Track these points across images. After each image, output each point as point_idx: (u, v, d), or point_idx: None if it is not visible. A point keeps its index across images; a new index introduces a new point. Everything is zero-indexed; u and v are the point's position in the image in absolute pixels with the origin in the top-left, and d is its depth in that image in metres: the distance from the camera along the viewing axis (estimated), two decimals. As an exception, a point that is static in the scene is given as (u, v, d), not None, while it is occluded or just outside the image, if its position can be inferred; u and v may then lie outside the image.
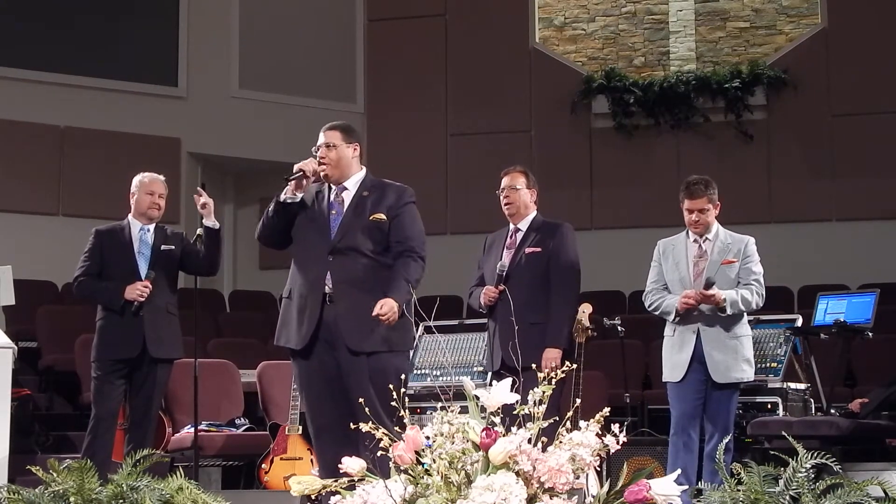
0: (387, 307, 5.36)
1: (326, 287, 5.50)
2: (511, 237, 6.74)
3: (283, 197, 5.57)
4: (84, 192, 12.68)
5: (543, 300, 6.54)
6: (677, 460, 6.37)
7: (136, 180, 7.08)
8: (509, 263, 6.62)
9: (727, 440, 6.00)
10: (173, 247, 7.05)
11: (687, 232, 6.68)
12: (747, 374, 6.52)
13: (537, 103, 13.99)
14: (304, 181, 5.56)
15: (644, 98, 13.59)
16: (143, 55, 13.36)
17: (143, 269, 6.92)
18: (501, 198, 6.76)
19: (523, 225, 6.73)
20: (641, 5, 14.21)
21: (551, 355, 6.35)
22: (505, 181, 6.77)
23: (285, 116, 13.57)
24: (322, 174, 5.62)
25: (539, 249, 6.60)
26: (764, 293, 6.55)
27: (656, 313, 6.72)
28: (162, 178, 7.15)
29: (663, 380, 6.70)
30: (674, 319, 6.57)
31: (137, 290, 6.79)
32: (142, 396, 6.87)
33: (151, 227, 7.05)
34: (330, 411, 5.49)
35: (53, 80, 12.75)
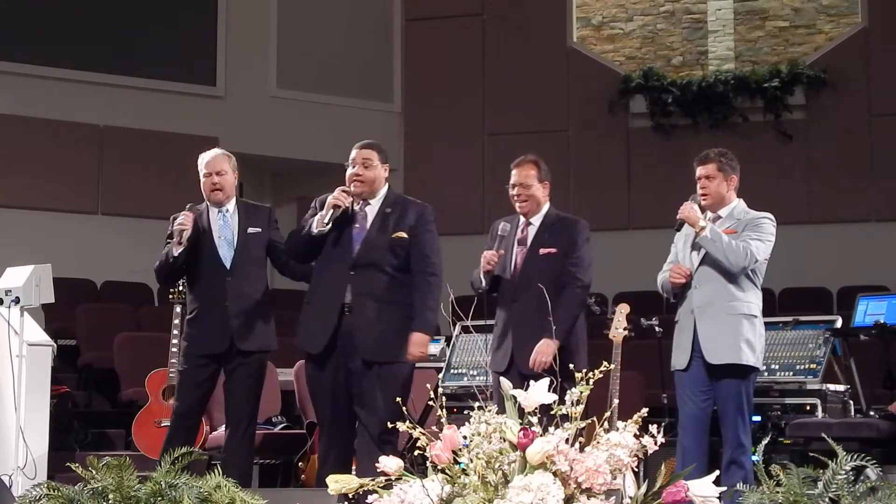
0: (421, 348, 5.74)
1: (346, 297, 5.74)
2: (522, 231, 6.31)
3: (315, 231, 5.76)
4: (123, 191, 12.78)
5: (555, 301, 5.73)
6: (684, 462, 5.53)
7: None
8: (522, 263, 6.17)
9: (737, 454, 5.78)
10: (260, 229, 6.40)
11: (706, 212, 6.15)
12: (745, 355, 5.83)
13: (574, 103, 13.96)
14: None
15: (682, 98, 13.53)
16: (181, 55, 13.44)
17: (225, 255, 6.28)
18: (513, 195, 6.31)
19: (536, 220, 6.31)
20: (680, 5, 14.15)
21: (544, 348, 5.85)
22: (516, 175, 6.31)
23: (323, 116, 13.61)
24: (354, 192, 5.82)
25: (554, 250, 6.14)
26: (749, 259, 5.84)
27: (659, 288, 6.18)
28: (220, 152, 6.62)
29: (671, 369, 6.11)
30: (672, 296, 6.07)
31: (178, 222, 6.18)
32: (235, 395, 6.29)
33: (231, 205, 6.45)
34: (334, 410, 5.83)
35: (92, 79, 12.84)
